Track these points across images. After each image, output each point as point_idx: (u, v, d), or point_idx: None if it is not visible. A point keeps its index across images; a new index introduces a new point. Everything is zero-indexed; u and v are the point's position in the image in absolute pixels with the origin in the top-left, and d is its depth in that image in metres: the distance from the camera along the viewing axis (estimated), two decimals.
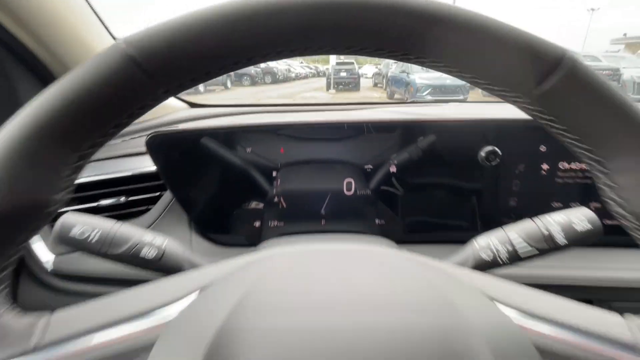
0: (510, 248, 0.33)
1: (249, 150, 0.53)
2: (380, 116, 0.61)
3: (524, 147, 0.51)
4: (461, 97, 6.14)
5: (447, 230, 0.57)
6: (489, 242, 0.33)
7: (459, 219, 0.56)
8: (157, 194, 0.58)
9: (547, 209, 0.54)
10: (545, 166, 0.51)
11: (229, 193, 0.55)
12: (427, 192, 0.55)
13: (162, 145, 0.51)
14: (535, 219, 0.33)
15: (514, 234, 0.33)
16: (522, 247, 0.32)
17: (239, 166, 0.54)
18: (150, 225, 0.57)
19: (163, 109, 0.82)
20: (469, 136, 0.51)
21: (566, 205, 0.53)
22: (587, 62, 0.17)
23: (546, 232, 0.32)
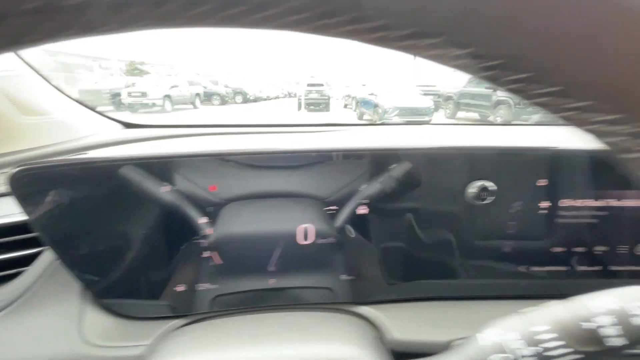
0: (539, 349, 0.21)
1: (166, 188, 0.39)
2: (351, 143, 0.50)
3: (521, 181, 0.42)
4: (427, 119, 6.37)
5: (428, 285, 0.45)
6: (501, 341, 0.22)
7: (444, 270, 0.45)
8: (35, 250, 0.41)
9: (547, 255, 0.44)
10: (544, 204, 0.42)
11: (139, 246, 0.40)
12: (402, 237, 0.44)
13: (34, 183, 0.36)
14: (569, 304, 0.22)
15: (542, 327, 0.22)
16: (559, 351, 0.21)
17: (155, 207, 0.39)
18: (19, 297, 0.39)
19: (81, 129, 0.65)
20: (454, 168, 0.41)
21: (568, 251, 0.44)
22: None
23: (592, 326, 0.21)
